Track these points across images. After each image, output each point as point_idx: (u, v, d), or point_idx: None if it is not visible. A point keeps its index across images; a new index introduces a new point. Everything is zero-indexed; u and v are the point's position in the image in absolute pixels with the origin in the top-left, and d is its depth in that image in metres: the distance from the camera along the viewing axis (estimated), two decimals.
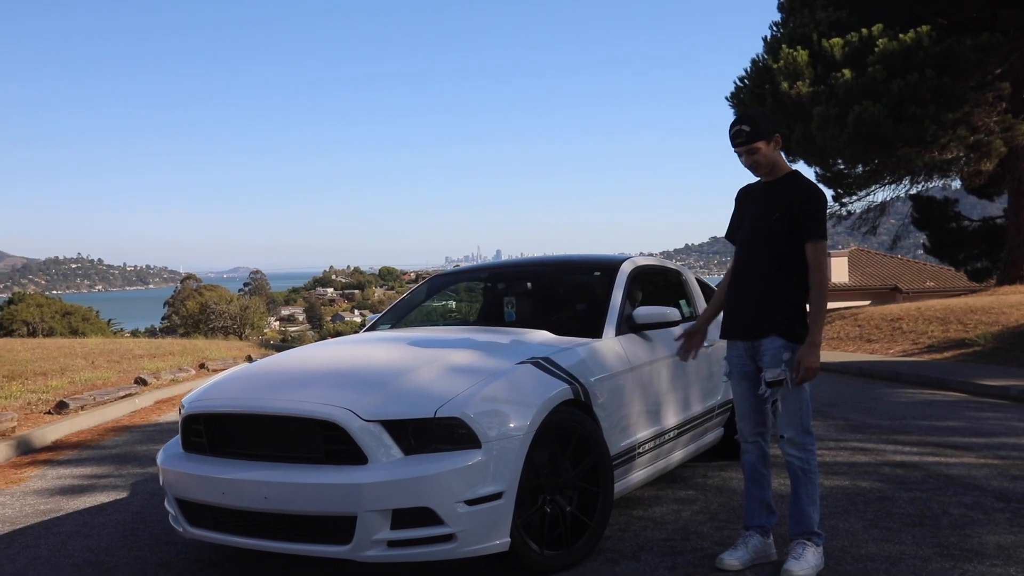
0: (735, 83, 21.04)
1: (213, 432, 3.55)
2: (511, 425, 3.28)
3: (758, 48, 20.63)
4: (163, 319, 72.52)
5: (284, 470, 3.24)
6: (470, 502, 3.13)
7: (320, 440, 3.24)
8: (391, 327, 5.20)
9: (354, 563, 3.51)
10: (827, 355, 13.24)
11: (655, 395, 4.40)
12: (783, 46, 18.71)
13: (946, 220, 22.80)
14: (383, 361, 3.77)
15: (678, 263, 5.75)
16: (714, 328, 5.23)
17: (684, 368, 4.73)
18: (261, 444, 3.41)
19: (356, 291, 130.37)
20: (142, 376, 10.42)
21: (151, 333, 58.55)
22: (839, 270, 35.03)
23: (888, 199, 22.21)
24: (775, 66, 18.66)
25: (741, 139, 3.47)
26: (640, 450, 4.19)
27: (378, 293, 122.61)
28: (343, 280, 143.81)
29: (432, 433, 3.20)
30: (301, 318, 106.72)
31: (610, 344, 4.19)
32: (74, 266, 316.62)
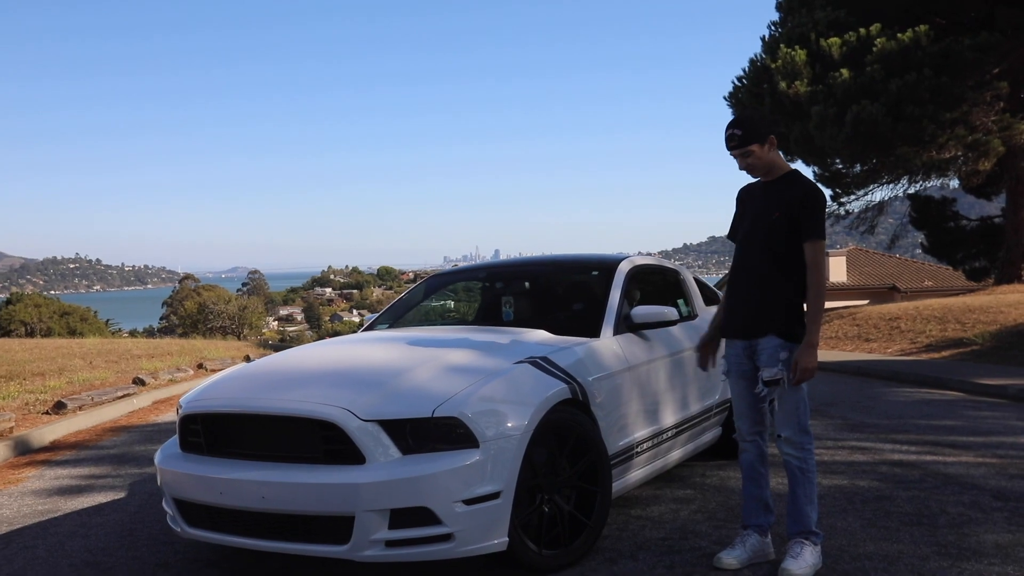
0: (733, 83, 21.05)
1: (211, 432, 3.54)
2: (509, 424, 3.28)
3: (756, 48, 20.63)
4: (161, 319, 72.50)
5: (282, 470, 3.24)
6: (468, 502, 3.13)
7: (318, 440, 3.24)
8: (389, 327, 5.20)
9: (352, 563, 3.51)
10: (825, 354, 13.24)
11: (653, 394, 4.40)
12: (781, 46, 18.71)
13: (944, 219, 22.81)
14: (381, 361, 3.77)
15: (676, 262, 5.75)
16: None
17: (682, 367, 4.74)
18: (259, 444, 3.40)
19: (354, 291, 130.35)
20: (140, 376, 10.41)
21: (149, 333, 58.52)
22: (837, 269, 35.06)
23: (886, 198, 22.22)
24: (773, 66, 18.65)
25: (734, 143, 3.49)
26: (638, 449, 4.19)
27: (376, 293, 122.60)
28: (341, 280, 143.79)
29: (430, 433, 3.20)
30: (299, 318, 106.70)
31: (608, 343, 4.19)
32: (72, 266, 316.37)
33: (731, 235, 3.79)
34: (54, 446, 7.00)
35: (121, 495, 5.22)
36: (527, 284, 5.47)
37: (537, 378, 3.56)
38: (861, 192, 21.66)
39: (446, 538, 3.15)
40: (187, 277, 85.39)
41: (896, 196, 22.32)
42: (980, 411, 7.59)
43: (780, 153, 3.65)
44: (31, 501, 5.16)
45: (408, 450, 3.18)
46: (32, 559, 3.97)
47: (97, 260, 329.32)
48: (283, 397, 3.42)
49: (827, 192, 21.13)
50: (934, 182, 21.21)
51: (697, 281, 5.66)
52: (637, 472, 4.24)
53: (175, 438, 3.82)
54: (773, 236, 3.50)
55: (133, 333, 54.53)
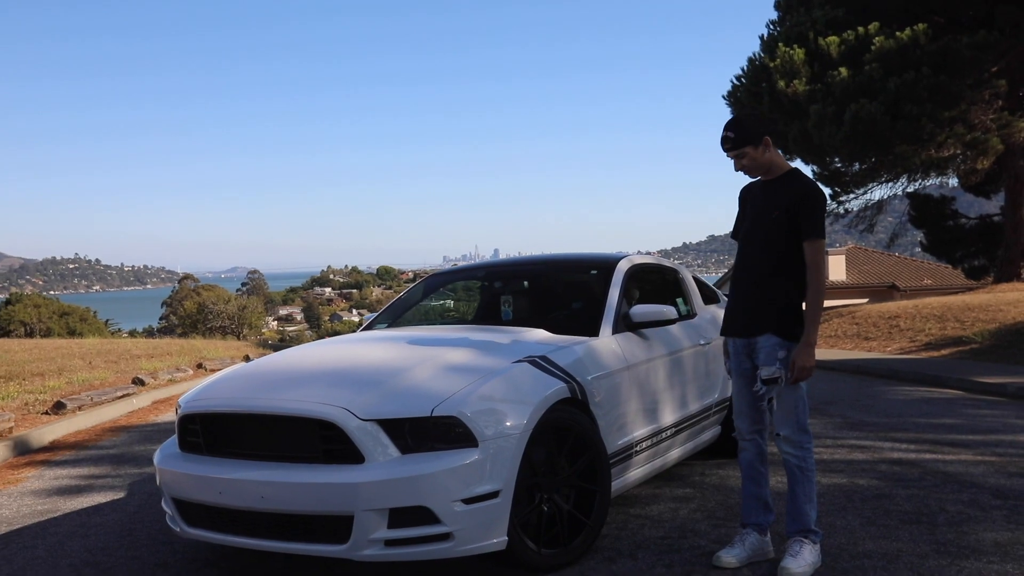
0: (732, 82, 21.05)
1: (210, 432, 3.54)
2: (508, 424, 3.28)
3: (755, 47, 20.63)
4: (161, 319, 72.49)
5: (281, 470, 3.24)
6: (467, 501, 3.13)
7: (317, 439, 3.24)
8: (388, 326, 5.19)
9: (351, 562, 3.51)
10: (825, 353, 13.25)
11: (652, 393, 4.40)
12: (780, 44, 18.71)
13: (943, 218, 22.83)
14: (380, 360, 3.77)
15: (675, 261, 5.75)
16: (712, 327, 5.24)
17: (681, 366, 4.74)
18: (258, 444, 3.40)
19: (354, 290, 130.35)
20: (140, 376, 10.41)
21: (149, 333, 58.52)
22: (836, 268, 35.07)
23: (885, 197, 22.23)
24: (772, 65, 18.66)
25: (728, 145, 3.51)
26: (637, 448, 4.19)
27: (376, 292, 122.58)
28: (341, 280, 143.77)
29: (429, 432, 3.20)
30: (299, 318, 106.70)
31: (607, 342, 4.19)
32: (71, 266, 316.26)
33: (734, 234, 3.80)
34: (53, 446, 7.00)
35: (120, 495, 5.22)
36: (526, 283, 5.47)
37: (536, 377, 3.56)
38: (860, 191, 21.67)
39: (445, 537, 3.15)
40: (186, 277, 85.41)
41: (895, 195, 22.33)
42: (979, 409, 7.60)
43: (779, 152, 3.65)
44: (30, 501, 5.16)
45: (407, 449, 3.18)
46: (32, 559, 3.97)
47: (96, 260, 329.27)
48: (282, 397, 3.41)
49: (826, 191, 21.14)
50: (933, 180, 21.22)
51: (696, 280, 5.66)
52: (636, 471, 4.24)
53: (174, 438, 3.82)
54: (773, 235, 3.51)
55: (132, 333, 54.52)
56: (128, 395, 9.31)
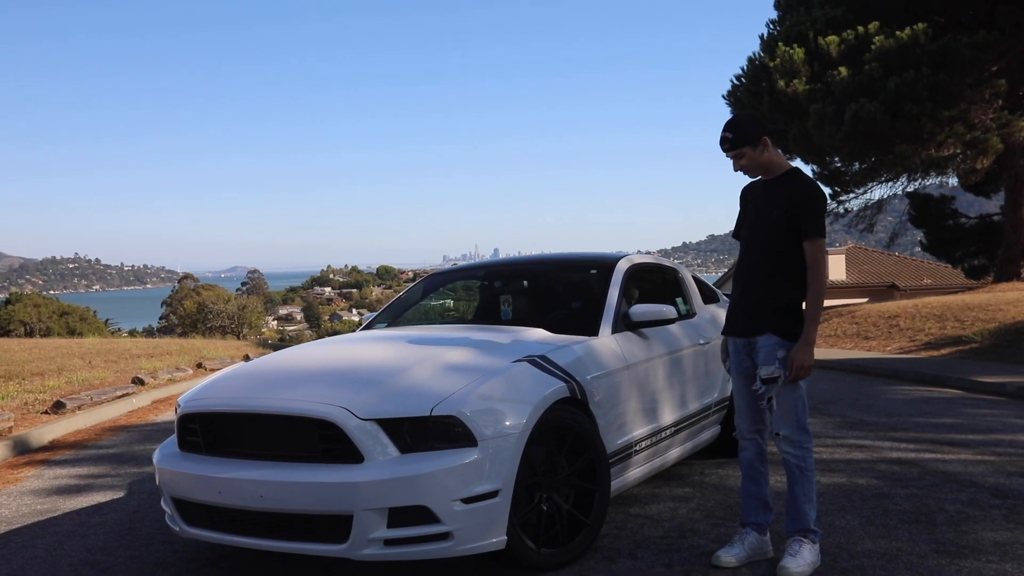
0: (732, 81, 21.06)
1: (209, 431, 3.54)
2: (507, 423, 3.28)
3: (755, 46, 20.64)
4: (160, 319, 72.52)
5: (280, 469, 3.24)
6: (466, 500, 3.13)
7: (316, 439, 3.24)
8: (387, 325, 5.19)
9: (351, 562, 3.51)
10: (824, 352, 13.25)
11: (651, 393, 4.40)
12: (780, 44, 18.71)
13: (943, 217, 22.83)
14: (379, 360, 3.77)
15: (675, 261, 5.75)
16: (712, 326, 5.24)
17: (681, 366, 4.74)
18: (257, 443, 3.40)
19: (354, 290, 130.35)
20: (139, 376, 10.41)
21: (148, 333, 58.52)
22: (836, 267, 35.07)
23: (885, 196, 22.23)
24: (772, 64, 18.66)
25: (726, 146, 3.53)
26: (637, 448, 4.19)
27: (376, 292, 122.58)
28: (341, 279, 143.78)
29: (428, 431, 3.20)
30: (299, 317, 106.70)
31: (606, 342, 4.19)
32: (71, 266, 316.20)
33: (735, 233, 3.81)
34: (53, 446, 7.00)
35: (120, 495, 5.22)
36: (525, 283, 5.47)
37: (535, 377, 3.56)
38: (860, 190, 21.68)
39: (444, 537, 3.15)
40: (186, 277, 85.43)
41: (895, 194, 22.34)
42: (979, 409, 7.60)
43: (780, 152, 3.66)
44: (30, 501, 5.16)
45: (406, 449, 3.18)
46: (31, 558, 3.97)
47: (96, 260, 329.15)
48: (281, 396, 3.41)
49: (826, 190, 21.12)
50: (933, 180, 21.22)
51: (696, 279, 5.66)
52: (636, 470, 4.24)
53: (173, 437, 3.82)
54: (773, 235, 3.51)
55: (132, 333, 54.52)
56: (128, 395, 9.31)
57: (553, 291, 5.27)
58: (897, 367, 10.79)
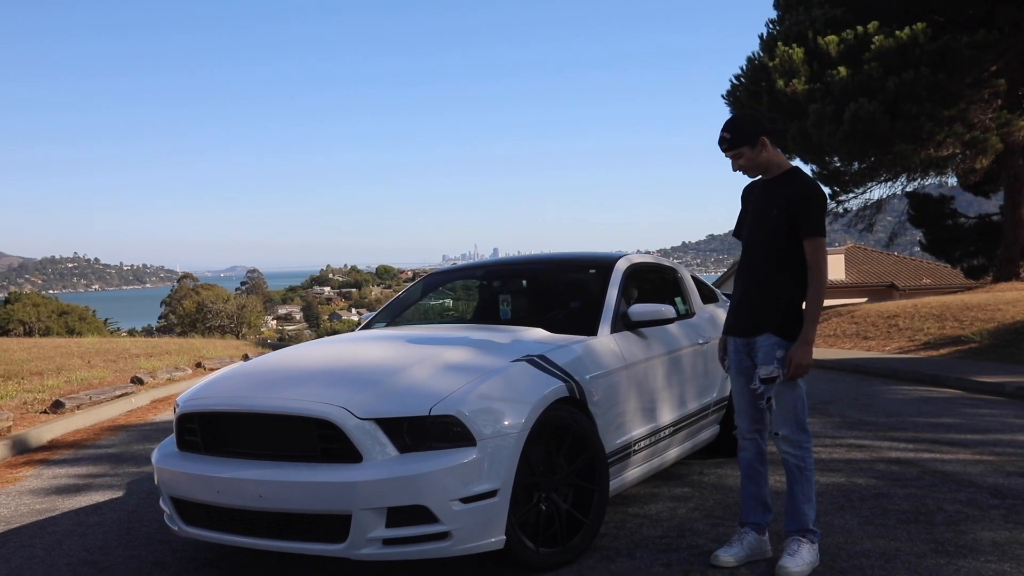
0: (731, 81, 21.06)
1: (208, 431, 3.54)
2: (506, 423, 3.28)
3: (755, 46, 20.65)
4: (160, 318, 72.53)
5: (279, 468, 3.23)
6: (465, 500, 3.13)
7: (315, 438, 3.24)
8: (387, 325, 5.19)
9: (349, 561, 3.51)
10: (823, 352, 13.26)
11: (650, 392, 4.40)
12: (779, 44, 18.71)
13: (942, 217, 22.83)
14: (378, 359, 3.77)
15: (674, 260, 5.75)
16: (711, 326, 5.24)
17: (680, 365, 4.74)
18: (256, 442, 3.40)
19: (353, 290, 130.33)
20: (138, 375, 10.41)
21: (148, 332, 58.51)
22: (836, 267, 35.07)
23: (884, 196, 22.23)
24: (771, 64, 18.66)
25: (725, 146, 3.55)
26: (636, 447, 4.19)
27: (375, 291, 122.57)
28: (340, 279, 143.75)
29: (427, 431, 3.20)
30: (298, 317, 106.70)
31: (605, 342, 4.19)
32: (71, 265, 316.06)
33: (736, 233, 3.81)
34: (52, 445, 7.00)
35: (119, 494, 5.22)
36: (524, 282, 5.46)
37: (534, 376, 3.56)
38: (859, 190, 21.67)
39: (443, 536, 3.14)
40: (185, 276, 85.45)
41: (894, 194, 22.34)
42: (978, 409, 7.60)
43: (779, 151, 3.66)
44: (29, 500, 5.16)
45: (405, 448, 3.18)
46: (30, 558, 3.97)
47: (95, 259, 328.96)
48: (280, 396, 3.41)
49: (826, 190, 21.10)
50: (932, 180, 21.22)
51: (695, 279, 5.66)
52: (634, 470, 4.24)
53: (172, 437, 3.81)
54: (773, 234, 3.51)
55: (132, 332, 54.50)
56: (127, 394, 9.31)
57: (552, 291, 5.26)
58: (896, 367, 10.79)
